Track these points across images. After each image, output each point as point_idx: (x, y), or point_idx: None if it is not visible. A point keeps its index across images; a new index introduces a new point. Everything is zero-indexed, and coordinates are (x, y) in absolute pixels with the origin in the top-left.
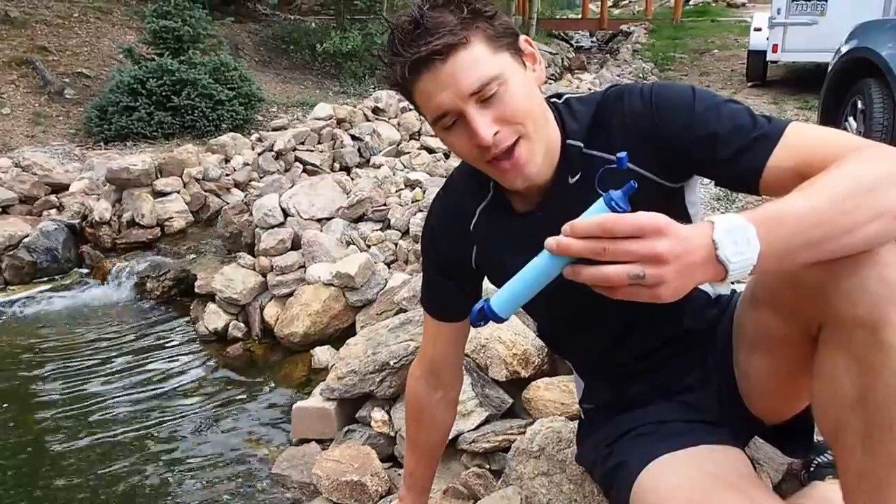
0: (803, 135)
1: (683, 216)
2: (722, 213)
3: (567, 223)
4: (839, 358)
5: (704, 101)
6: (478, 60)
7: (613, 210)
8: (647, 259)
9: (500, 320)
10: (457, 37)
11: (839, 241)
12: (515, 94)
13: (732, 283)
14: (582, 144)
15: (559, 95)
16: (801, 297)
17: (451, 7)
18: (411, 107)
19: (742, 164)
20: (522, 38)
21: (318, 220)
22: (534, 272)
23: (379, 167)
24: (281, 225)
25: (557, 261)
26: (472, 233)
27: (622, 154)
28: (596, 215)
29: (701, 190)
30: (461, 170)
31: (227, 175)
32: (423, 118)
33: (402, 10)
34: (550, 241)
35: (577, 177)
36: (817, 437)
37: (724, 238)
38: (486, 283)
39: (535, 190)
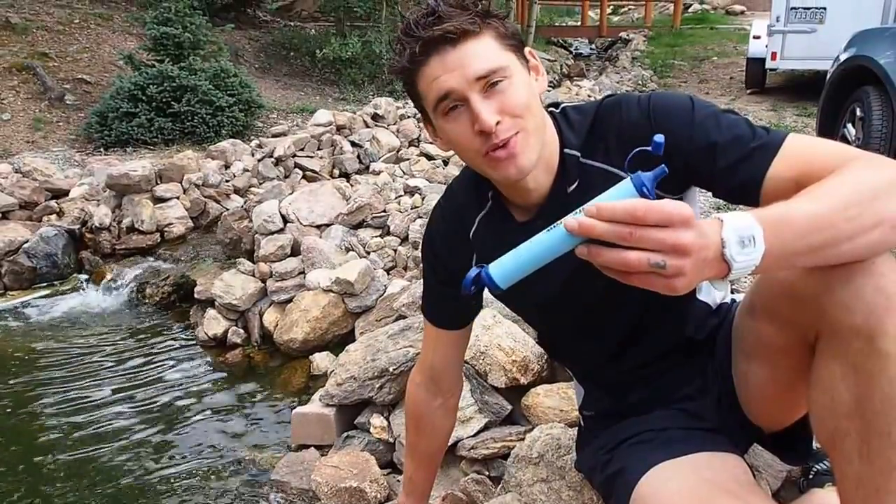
0: (802, 146)
1: None
2: None
3: (591, 204)
4: (836, 366)
5: (703, 111)
6: (487, 50)
7: (642, 194)
8: (671, 249)
9: (496, 289)
10: (471, 25)
11: (840, 247)
12: (518, 90)
13: (731, 281)
14: (579, 154)
15: (556, 105)
16: (798, 307)
17: (465, 3)
18: (410, 114)
19: (741, 175)
20: (527, 49)
21: (318, 227)
22: (543, 246)
23: (378, 174)
24: (280, 231)
25: (571, 240)
26: (472, 241)
27: (660, 138)
28: (624, 199)
29: (700, 198)
30: (461, 178)
31: (227, 181)
32: (420, 126)
33: (402, 18)
34: (571, 220)
35: (574, 185)
36: (816, 445)
37: (732, 237)
38: (486, 293)
39: (534, 199)
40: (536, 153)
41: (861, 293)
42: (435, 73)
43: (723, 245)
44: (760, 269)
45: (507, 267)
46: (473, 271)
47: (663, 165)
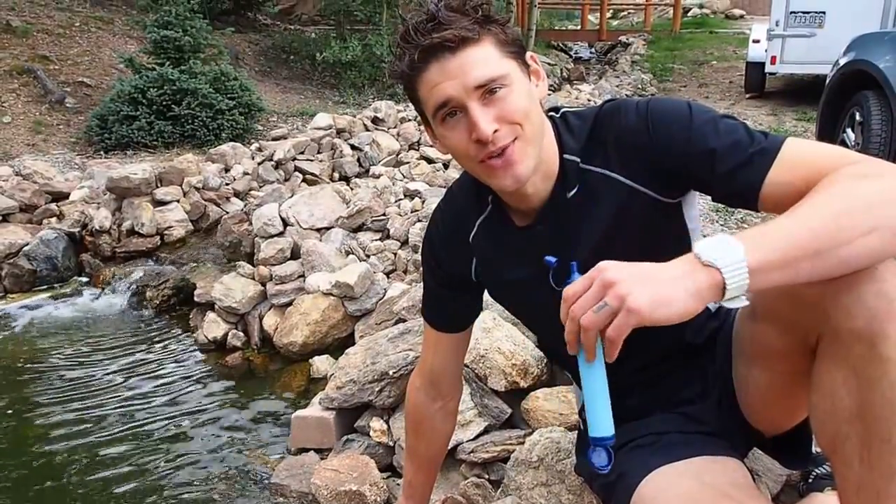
0: (801, 150)
1: (683, 231)
2: (721, 224)
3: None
4: (837, 371)
5: (701, 117)
6: (487, 58)
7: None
8: (601, 291)
9: (610, 439)
10: (470, 32)
11: (838, 252)
12: (518, 98)
13: (743, 295)
14: (579, 160)
15: (556, 109)
16: (799, 311)
17: (465, 9)
18: (410, 117)
19: (740, 180)
20: (529, 53)
21: (318, 230)
22: (588, 381)
23: (378, 177)
24: (280, 234)
25: (583, 356)
26: (472, 245)
27: (551, 259)
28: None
29: (700, 201)
30: (461, 181)
31: (227, 184)
32: (420, 129)
33: (402, 21)
34: (568, 350)
35: (574, 191)
36: (815, 449)
37: (704, 248)
38: (486, 296)
39: (533, 204)
40: (534, 161)
41: (863, 298)
42: (435, 80)
43: (698, 257)
44: (762, 279)
45: (598, 419)
46: (590, 453)
47: (551, 259)
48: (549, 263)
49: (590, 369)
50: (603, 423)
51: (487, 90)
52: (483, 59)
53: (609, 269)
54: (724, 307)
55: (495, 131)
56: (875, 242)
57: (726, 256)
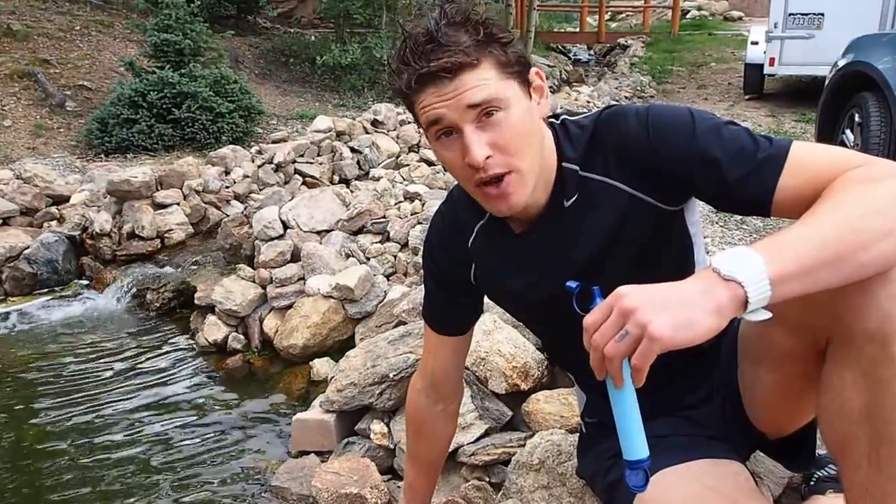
0: (808, 154)
1: (685, 236)
2: (720, 226)
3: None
4: (847, 372)
5: (704, 124)
6: (484, 81)
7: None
8: (622, 320)
9: (646, 461)
10: (468, 57)
11: (856, 258)
12: (514, 125)
13: (764, 307)
14: (577, 168)
15: (556, 116)
16: (810, 312)
17: (467, 27)
18: (410, 119)
19: (750, 189)
20: (534, 70)
21: (318, 233)
22: (619, 405)
23: (378, 179)
24: (280, 237)
25: (611, 383)
26: (471, 249)
27: (572, 283)
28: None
29: (699, 203)
30: (460, 186)
31: (227, 187)
32: (420, 132)
33: (404, 22)
34: (596, 378)
35: (573, 199)
36: (818, 452)
37: (722, 261)
38: (487, 299)
39: (531, 213)
40: (530, 189)
41: (875, 300)
42: (430, 102)
43: (718, 272)
44: (783, 290)
45: (631, 441)
46: (626, 475)
47: (592, 287)
48: (570, 289)
49: (619, 394)
50: (637, 446)
51: (483, 112)
52: (480, 81)
53: (627, 295)
54: None
55: (487, 157)
56: (892, 246)
57: (746, 269)
